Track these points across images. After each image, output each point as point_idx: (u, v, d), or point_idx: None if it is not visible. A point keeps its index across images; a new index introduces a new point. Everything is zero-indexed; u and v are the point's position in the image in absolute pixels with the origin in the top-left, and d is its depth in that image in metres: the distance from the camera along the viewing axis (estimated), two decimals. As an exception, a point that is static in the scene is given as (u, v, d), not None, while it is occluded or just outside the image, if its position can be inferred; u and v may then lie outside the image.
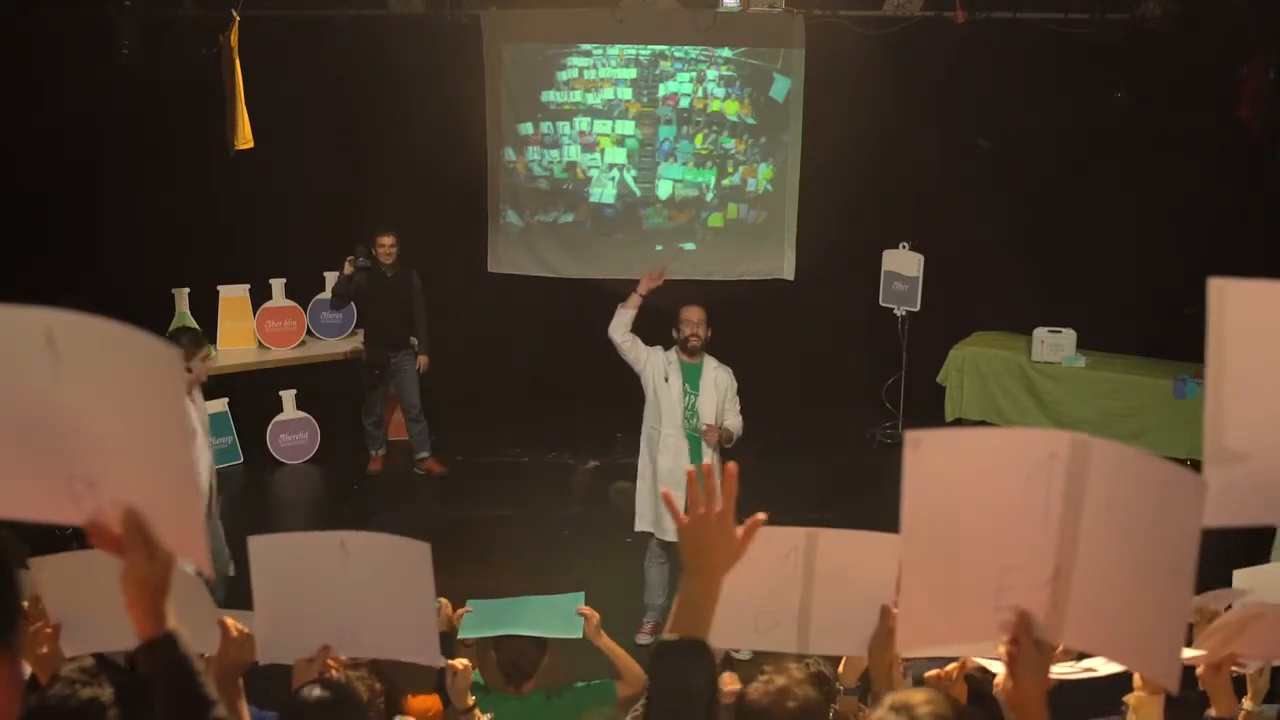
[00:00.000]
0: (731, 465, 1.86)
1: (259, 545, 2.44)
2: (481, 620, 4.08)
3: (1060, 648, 1.94)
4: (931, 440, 1.67)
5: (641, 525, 6.66)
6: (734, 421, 6.54)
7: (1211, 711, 2.66)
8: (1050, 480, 1.67)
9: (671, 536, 6.35)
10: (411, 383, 8.87)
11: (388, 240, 8.63)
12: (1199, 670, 2.64)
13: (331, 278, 9.42)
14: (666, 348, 6.60)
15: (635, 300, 6.54)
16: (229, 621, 2.39)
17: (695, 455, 6.51)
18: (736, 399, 6.59)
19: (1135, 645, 1.78)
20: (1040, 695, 1.79)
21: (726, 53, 10.12)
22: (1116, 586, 1.71)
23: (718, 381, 6.52)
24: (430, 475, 8.96)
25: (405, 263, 8.78)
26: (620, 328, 6.52)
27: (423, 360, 8.92)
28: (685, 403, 6.48)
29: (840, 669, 2.99)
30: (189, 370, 6.07)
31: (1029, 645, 1.77)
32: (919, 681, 2.71)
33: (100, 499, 1.67)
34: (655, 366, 6.53)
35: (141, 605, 1.69)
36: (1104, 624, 1.76)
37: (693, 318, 6.51)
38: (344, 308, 9.37)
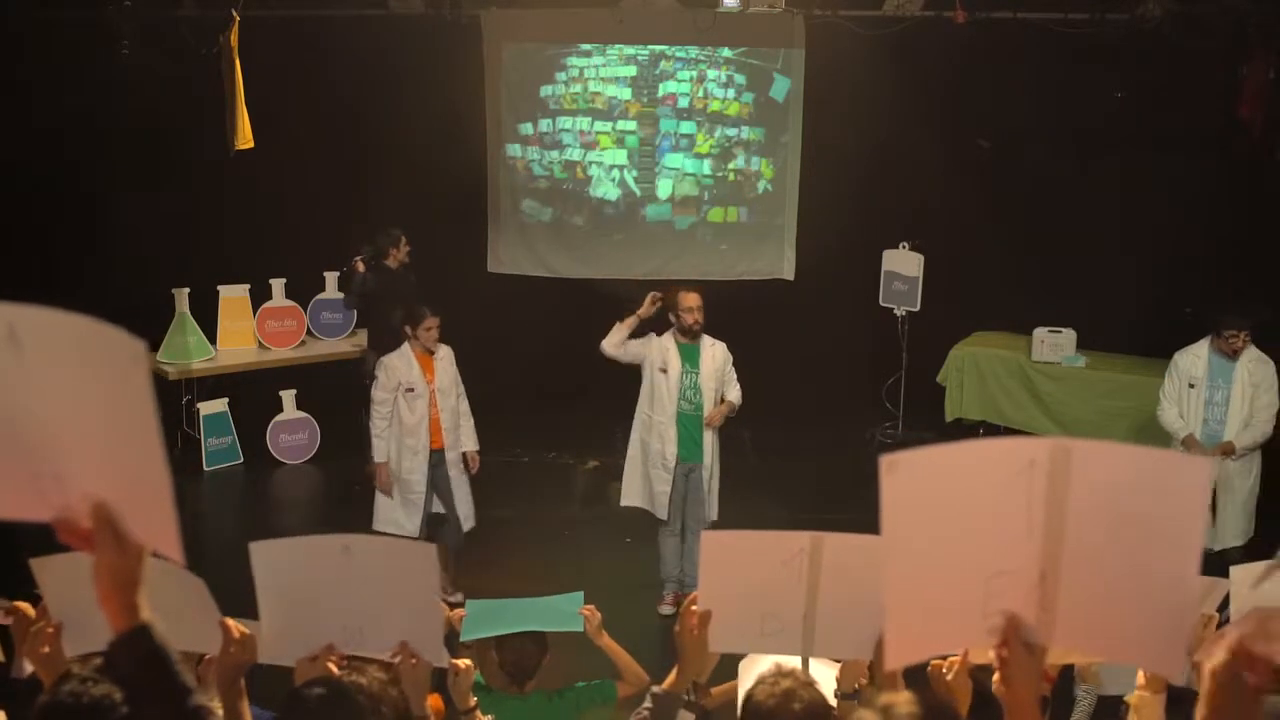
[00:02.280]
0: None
1: (260, 550, 2.44)
2: (481, 621, 4.08)
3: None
4: (907, 461, 1.67)
5: (628, 500, 7.01)
6: (734, 394, 6.88)
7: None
8: (1031, 487, 1.67)
9: (662, 514, 6.80)
10: None
11: (403, 240, 8.59)
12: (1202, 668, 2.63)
13: (332, 278, 9.41)
14: (659, 333, 6.83)
15: (632, 321, 6.77)
16: (230, 622, 2.39)
17: (694, 433, 6.80)
18: (733, 370, 6.89)
19: (1135, 639, 1.78)
20: (1033, 697, 1.79)
21: (726, 53, 10.13)
22: (1110, 583, 1.71)
23: (715, 357, 6.81)
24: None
25: (405, 262, 8.78)
26: (612, 345, 6.78)
27: None
28: (686, 383, 6.76)
29: (837, 674, 2.99)
30: (416, 338, 6.66)
31: (1019, 649, 1.77)
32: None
33: (68, 493, 1.66)
34: (652, 359, 6.78)
35: (114, 598, 1.69)
36: (1098, 623, 1.76)
37: (692, 304, 6.72)
38: (358, 307, 9.27)
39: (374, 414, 6.80)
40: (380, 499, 6.91)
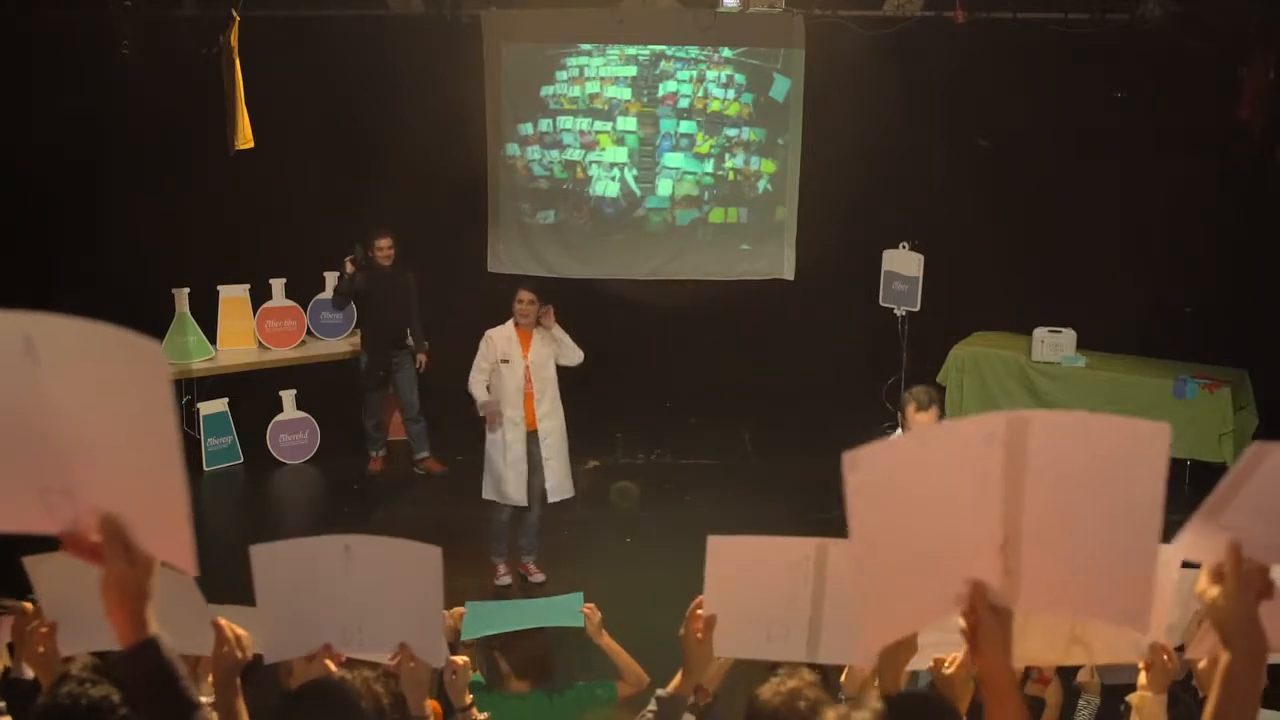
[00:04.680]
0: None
1: (261, 553, 2.44)
2: (482, 620, 4.09)
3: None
4: (867, 458, 1.68)
5: None
6: None
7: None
8: (990, 459, 1.68)
9: None
10: (410, 382, 8.87)
11: (384, 242, 8.61)
12: (1200, 666, 2.64)
13: (332, 278, 9.41)
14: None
15: None
16: (223, 621, 2.38)
17: None
18: None
19: (1101, 597, 1.79)
20: (1007, 663, 1.78)
21: (727, 52, 10.13)
22: (1073, 545, 1.73)
23: None
24: (431, 475, 8.95)
25: (402, 263, 8.76)
26: None
27: (423, 358, 8.89)
28: None
29: (843, 678, 2.99)
30: (513, 314, 6.94)
31: (986, 613, 1.76)
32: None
33: (77, 507, 1.64)
34: None
35: (122, 612, 1.68)
36: (1063, 582, 1.78)
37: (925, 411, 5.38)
38: (345, 307, 9.33)
39: (471, 380, 7.06)
40: (487, 470, 7.19)
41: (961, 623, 1.79)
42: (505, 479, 7.08)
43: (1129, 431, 1.66)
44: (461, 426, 9.59)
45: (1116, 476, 1.66)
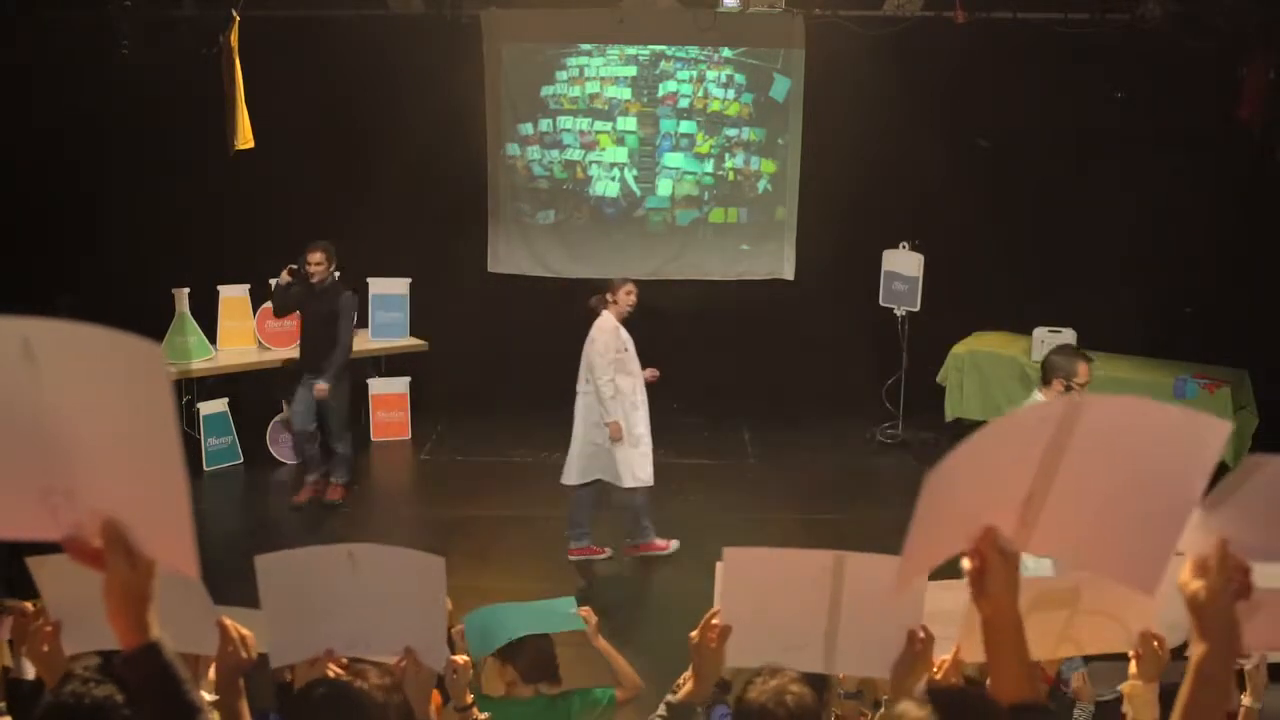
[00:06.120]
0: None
1: (265, 563, 2.44)
2: (484, 635, 4.04)
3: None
4: (948, 468, 1.71)
5: None
6: None
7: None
8: (1038, 435, 1.73)
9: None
10: (312, 402, 8.23)
11: (315, 257, 8.04)
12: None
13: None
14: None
15: None
16: (228, 622, 2.39)
17: None
18: None
19: (1112, 554, 1.82)
20: (1012, 605, 1.80)
21: (726, 53, 10.13)
22: (1101, 503, 1.76)
23: None
24: (299, 507, 8.30)
25: (344, 280, 8.34)
26: None
27: (319, 388, 8.12)
28: None
29: (841, 675, 2.99)
30: (614, 302, 7.14)
31: (995, 556, 1.78)
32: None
33: (79, 510, 1.64)
34: None
35: (124, 616, 1.68)
36: (1080, 535, 1.81)
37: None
38: (282, 316, 8.74)
39: (603, 380, 7.07)
40: (628, 458, 7.21)
41: (966, 564, 1.82)
42: (644, 462, 7.24)
43: (1189, 421, 1.70)
44: (462, 427, 9.62)
45: (1164, 456, 1.70)
